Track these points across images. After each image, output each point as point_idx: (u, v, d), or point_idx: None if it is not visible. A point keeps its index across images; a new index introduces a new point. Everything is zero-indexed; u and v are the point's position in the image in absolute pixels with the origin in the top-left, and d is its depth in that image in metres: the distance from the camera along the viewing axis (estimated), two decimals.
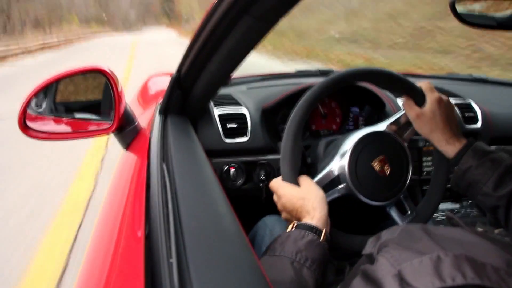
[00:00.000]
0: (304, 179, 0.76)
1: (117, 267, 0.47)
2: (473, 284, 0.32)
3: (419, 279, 0.33)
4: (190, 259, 0.38)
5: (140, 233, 0.49)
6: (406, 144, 0.86)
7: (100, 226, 0.67)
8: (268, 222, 0.96)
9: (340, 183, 0.83)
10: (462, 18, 0.87)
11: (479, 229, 0.49)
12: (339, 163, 0.83)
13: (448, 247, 0.37)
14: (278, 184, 0.77)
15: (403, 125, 0.88)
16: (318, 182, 0.80)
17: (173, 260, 0.38)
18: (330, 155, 0.88)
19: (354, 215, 1.10)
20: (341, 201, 0.85)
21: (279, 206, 0.76)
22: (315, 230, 0.65)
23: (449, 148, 0.79)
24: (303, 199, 0.72)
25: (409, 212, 0.88)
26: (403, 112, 0.87)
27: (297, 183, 0.76)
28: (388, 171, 0.82)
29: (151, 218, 0.51)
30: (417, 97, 0.82)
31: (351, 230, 0.83)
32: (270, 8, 0.58)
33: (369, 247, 0.48)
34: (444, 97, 0.82)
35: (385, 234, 0.47)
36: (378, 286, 0.37)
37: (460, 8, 0.87)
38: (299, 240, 0.62)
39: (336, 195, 0.83)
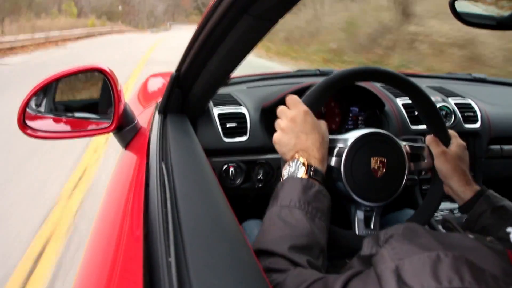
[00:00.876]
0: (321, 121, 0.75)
1: (115, 266, 0.47)
2: None
3: (415, 278, 0.33)
4: (189, 258, 0.38)
5: (139, 232, 0.49)
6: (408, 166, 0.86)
7: (98, 225, 0.67)
8: (247, 228, 0.95)
9: (334, 156, 0.83)
10: (461, 18, 0.87)
11: (470, 236, 0.49)
12: (343, 142, 0.83)
13: (448, 247, 0.37)
14: (301, 101, 0.74)
15: (416, 154, 0.89)
16: None
17: (172, 259, 0.38)
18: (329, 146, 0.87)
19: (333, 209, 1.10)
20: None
21: (288, 124, 0.72)
22: (321, 177, 0.66)
23: (467, 189, 0.81)
24: (317, 133, 0.70)
25: (372, 227, 0.87)
26: (423, 146, 0.89)
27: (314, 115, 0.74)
28: (381, 174, 0.82)
29: (150, 217, 0.51)
30: (444, 137, 0.86)
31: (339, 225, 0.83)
32: (269, 8, 0.58)
33: (367, 248, 0.48)
34: (465, 144, 0.86)
35: (389, 230, 0.46)
36: (377, 279, 0.37)
37: (459, 7, 0.86)
38: (308, 190, 0.62)
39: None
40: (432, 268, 0.33)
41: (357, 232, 0.84)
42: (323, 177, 0.66)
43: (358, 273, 0.42)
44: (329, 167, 0.83)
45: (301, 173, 0.65)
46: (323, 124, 0.75)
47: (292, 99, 0.75)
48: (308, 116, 0.72)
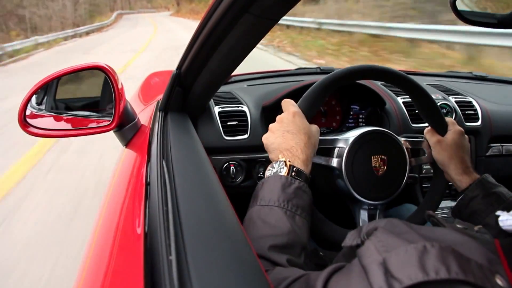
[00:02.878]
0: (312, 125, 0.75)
1: (116, 264, 0.47)
2: (456, 279, 0.31)
3: (402, 270, 0.33)
4: (190, 256, 0.38)
5: (140, 230, 0.49)
6: (409, 161, 0.86)
7: (99, 223, 0.67)
8: None
9: (334, 157, 0.83)
10: (463, 16, 0.87)
11: (459, 226, 0.49)
12: (343, 142, 0.83)
13: (432, 240, 0.36)
14: (294, 104, 0.75)
15: (416, 149, 0.90)
16: (320, 141, 0.80)
17: (173, 257, 0.38)
18: (328, 149, 0.88)
19: (325, 205, 1.10)
20: (318, 188, 0.85)
21: (276, 125, 0.73)
22: (304, 178, 0.65)
23: (465, 178, 0.81)
24: (304, 134, 0.70)
25: None
26: (422, 140, 0.89)
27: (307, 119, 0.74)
28: (382, 172, 0.82)
29: (151, 215, 0.51)
30: (441, 125, 0.86)
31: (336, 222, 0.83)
32: (270, 6, 0.58)
33: (350, 239, 0.47)
34: (464, 132, 0.86)
35: (371, 223, 0.46)
36: (364, 272, 0.36)
37: (460, 6, 0.86)
38: (287, 188, 0.62)
39: (323, 162, 0.83)
40: (419, 260, 0.33)
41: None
42: (306, 178, 0.66)
43: (339, 268, 0.42)
44: (331, 168, 0.83)
45: (283, 173, 0.65)
46: (314, 127, 0.74)
47: (286, 102, 0.76)
48: (296, 117, 0.72)
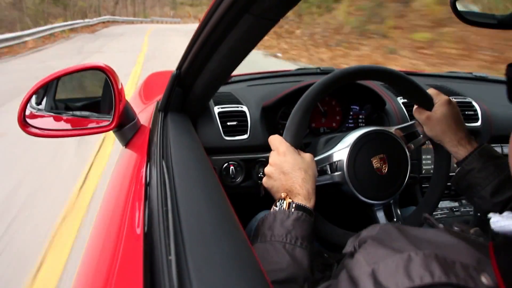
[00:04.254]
0: (303, 153, 0.74)
1: (116, 264, 0.47)
2: (439, 282, 0.33)
3: (390, 279, 0.35)
4: (189, 256, 0.38)
5: (139, 230, 0.49)
6: (407, 148, 0.86)
7: (99, 223, 0.67)
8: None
9: (336, 171, 0.83)
10: (463, 17, 0.87)
11: (456, 228, 0.50)
12: (339, 154, 0.83)
13: (421, 246, 0.39)
14: (281, 141, 0.74)
15: (410, 132, 0.89)
16: (317, 162, 0.80)
17: (172, 257, 0.38)
18: (330, 146, 0.88)
19: (341, 210, 1.10)
20: (332, 194, 0.86)
21: (270, 168, 0.72)
22: (305, 210, 0.65)
23: (461, 149, 0.80)
24: (298, 170, 0.69)
25: (395, 219, 0.88)
26: (413, 122, 0.89)
27: (296, 150, 0.73)
28: (385, 170, 0.82)
29: (150, 215, 0.51)
30: (425, 100, 0.83)
31: (337, 223, 0.83)
32: (270, 7, 0.58)
33: (349, 246, 0.49)
34: (451, 99, 0.83)
35: (364, 232, 0.48)
36: (355, 284, 0.38)
37: (460, 6, 0.86)
38: (285, 221, 0.62)
39: (328, 181, 0.83)
40: (405, 268, 0.35)
41: None
42: (310, 211, 0.66)
43: (328, 286, 0.44)
44: (335, 182, 0.83)
45: (282, 209, 0.66)
46: (307, 156, 0.73)
47: (272, 139, 0.75)
48: (287, 155, 0.71)
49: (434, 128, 0.82)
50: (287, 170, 0.70)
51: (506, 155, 1.10)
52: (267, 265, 0.58)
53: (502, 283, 0.34)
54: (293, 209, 0.65)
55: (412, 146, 0.87)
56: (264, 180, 0.74)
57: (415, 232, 0.44)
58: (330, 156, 0.84)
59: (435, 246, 0.39)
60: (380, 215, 0.87)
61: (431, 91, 0.84)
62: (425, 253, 0.36)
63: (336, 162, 0.83)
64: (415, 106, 0.86)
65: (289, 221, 0.63)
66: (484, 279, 0.34)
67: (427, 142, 0.89)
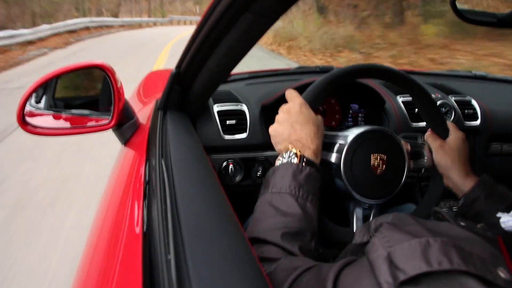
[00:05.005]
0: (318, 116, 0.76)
1: (115, 263, 0.47)
2: (458, 269, 0.32)
3: (407, 262, 0.34)
4: (188, 255, 0.38)
5: (138, 229, 0.49)
6: (406, 152, 0.86)
7: (98, 222, 0.67)
8: None
9: (335, 152, 0.83)
10: (463, 15, 0.87)
11: (462, 224, 0.50)
12: (335, 154, 0.83)
13: (437, 235, 0.38)
14: (299, 96, 0.75)
15: (417, 151, 0.90)
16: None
17: (171, 256, 0.38)
18: (328, 144, 0.88)
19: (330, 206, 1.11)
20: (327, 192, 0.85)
21: (283, 115, 0.73)
22: (314, 165, 0.66)
23: (468, 181, 0.81)
24: (312, 125, 0.71)
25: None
26: (423, 143, 0.90)
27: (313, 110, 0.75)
28: (382, 170, 0.82)
29: (150, 214, 0.51)
30: (442, 129, 0.86)
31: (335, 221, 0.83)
32: (270, 5, 0.58)
33: (359, 236, 0.49)
34: (464, 135, 0.86)
35: (379, 220, 0.47)
36: (370, 267, 0.37)
37: (460, 5, 0.86)
38: (298, 175, 0.63)
39: (324, 157, 0.83)
40: (423, 253, 0.34)
41: (354, 230, 0.84)
42: (317, 167, 0.67)
43: (351, 261, 0.43)
44: (329, 163, 0.83)
45: (294, 162, 0.66)
46: (319, 118, 0.75)
47: (290, 93, 0.76)
48: (303, 107, 0.73)
49: (445, 157, 0.84)
50: (301, 121, 0.71)
51: (507, 155, 1.11)
52: (279, 216, 0.58)
53: None
54: (304, 163, 0.65)
55: (413, 164, 0.88)
56: (273, 127, 0.74)
57: (429, 223, 0.44)
58: (335, 136, 0.85)
59: (450, 238, 0.38)
60: (358, 213, 0.86)
61: (450, 123, 0.87)
62: (444, 240, 0.35)
63: (338, 144, 0.84)
64: (430, 131, 0.87)
65: (302, 176, 0.63)
66: (501, 273, 0.33)
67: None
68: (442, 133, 0.86)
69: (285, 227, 0.56)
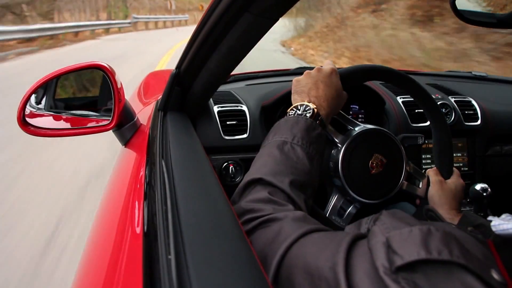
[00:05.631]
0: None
1: (115, 263, 0.47)
2: (458, 262, 0.32)
3: (405, 248, 0.33)
4: (189, 255, 0.38)
5: (139, 230, 0.49)
6: (403, 148, 0.87)
7: (98, 223, 0.67)
8: None
9: (337, 143, 0.84)
10: (462, 16, 0.87)
11: (453, 225, 0.50)
12: (334, 152, 0.83)
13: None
14: (333, 64, 0.78)
15: (416, 178, 0.91)
16: None
17: (172, 256, 0.38)
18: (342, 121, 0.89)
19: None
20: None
21: (313, 72, 0.75)
22: (323, 126, 0.67)
23: (455, 220, 0.82)
24: (335, 90, 0.72)
25: (343, 218, 0.88)
26: (424, 175, 0.91)
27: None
28: (379, 171, 0.82)
29: (150, 214, 0.51)
30: (448, 170, 0.89)
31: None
32: (270, 6, 0.58)
33: (354, 229, 0.47)
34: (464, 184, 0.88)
35: (373, 215, 0.47)
36: (370, 254, 0.37)
37: (460, 5, 0.86)
38: (311, 131, 0.64)
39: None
40: (423, 240, 0.33)
41: (327, 214, 0.84)
42: (325, 130, 0.68)
43: (362, 236, 0.42)
44: (327, 157, 0.83)
45: (308, 116, 0.66)
46: (344, 93, 0.77)
47: (327, 60, 0.79)
48: (334, 74, 0.74)
49: (440, 193, 0.85)
50: (326, 83, 0.72)
51: (507, 155, 1.11)
52: (289, 163, 0.58)
53: (510, 280, 0.34)
54: (318, 121, 0.66)
55: (405, 186, 0.89)
56: (299, 77, 0.75)
57: (424, 221, 0.43)
58: (337, 133, 0.86)
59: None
60: (337, 203, 0.86)
61: (455, 169, 0.90)
62: (446, 231, 0.34)
63: (349, 129, 0.85)
64: (435, 168, 0.90)
65: (314, 134, 0.63)
66: (494, 275, 0.33)
67: (426, 141, 0.90)
68: (446, 174, 0.88)
69: (294, 175, 0.56)
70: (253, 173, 0.57)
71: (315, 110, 0.66)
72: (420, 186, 0.89)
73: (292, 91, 0.75)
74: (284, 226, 0.46)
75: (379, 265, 0.33)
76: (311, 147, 0.61)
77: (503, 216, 0.43)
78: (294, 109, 0.69)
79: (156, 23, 24.07)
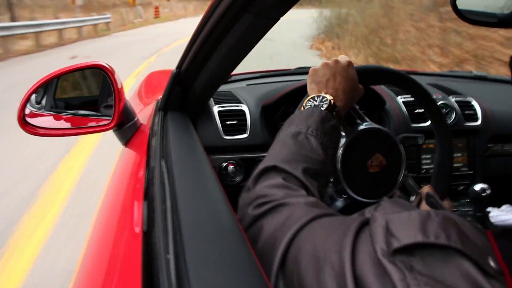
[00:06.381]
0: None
1: (114, 262, 0.47)
2: (454, 247, 0.32)
3: (403, 231, 0.33)
4: (188, 255, 0.38)
5: (138, 229, 0.49)
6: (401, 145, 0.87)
7: (98, 222, 0.67)
8: None
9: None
10: (463, 15, 0.87)
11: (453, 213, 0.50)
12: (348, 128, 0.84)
13: None
14: (348, 58, 0.79)
15: (411, 191, 0.92)
16: None
17: (171, 256, 0.38)
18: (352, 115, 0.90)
19: None
20: None
21: (330, 63, 0.75)
22: (339, 118, 0.68)
23: None
24: (351, 83, 0.73)
25: None
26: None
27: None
28: (377, 170, 0.82)
29: (149, 214, 0.51)
30: (441, 191, 0.90)
31: None
32: (270, 6, 0.58)
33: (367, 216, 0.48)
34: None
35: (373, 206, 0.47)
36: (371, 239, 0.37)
37: (460, 5, 0.86)
38: (326, 122, 0.64)
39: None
40: (421, 223, 0.33)
41: None
42: (340, 123, 0.69)
43: (367, 221, 0.42)
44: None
45: (324, 108, 0.67)
46: (361, 87, 0.77)
47: (343, 55, 0.79)
48: (351, 66, 0.74)
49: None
50: (344, 76, 0.72)
51: (507, 156, 1.11)
52: (303, 150, 0.59)
53: (506, 269, 0.34)
54: (334, 112, 0.67)
55: (398, 193, 0.89)
56: (317, 67, 0.75)
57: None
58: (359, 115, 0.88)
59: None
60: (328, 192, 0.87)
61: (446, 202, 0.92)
62: (446, 216, 0.34)
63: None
64: (429, 186, 0.90)
65: (329, 125, 0.64)
66: (491, 262, 0.33)
67: (427, 142, 0.90)
68: (441, 194, 0.88)
69: (307, 162, 0.57)
70: (267, 161, 0.58)
71: (332, 101, 0.67)
72: (412, 200, 0.89)
73: (309, 81, 0.76)
74: (295, 210, 0.46)
75: (378, 248, 0.33)
76: (325, 138, 0.62)
77: (503, 207, 0.43)
78: (311, 100, 0.69)
79: (37, 37, 11.21)
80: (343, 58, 0.76)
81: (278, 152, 0.59)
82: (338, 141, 0.66)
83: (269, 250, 0.43)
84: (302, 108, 0.69)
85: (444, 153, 0.88)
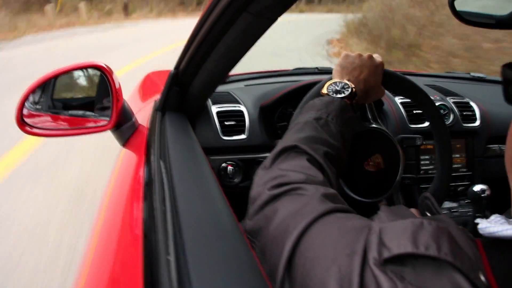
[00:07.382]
0: None
1: (115, 264, 0.47)
2: (444, 259, 0.31)
3: (394, 240, 0.33)
4: (188, 256, 0.38)
5: (138, 231, 0.49)
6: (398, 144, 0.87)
7: (98, 223, 0.67)
8: None
9: None
10: (461, 17, 0.87)
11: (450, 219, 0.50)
12: None
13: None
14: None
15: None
16: None
17: (171, 257, 0.38)
18: None
19: None
20: None
21: (366, 56, 0.77)
22: (358, 110, 0.69)
23: None
24: (374, 83, 0.75)
25: None
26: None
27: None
28: (375, 169, 0.82)
29: (149, 215, 0.50)
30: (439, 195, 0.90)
31: None
32: (269, 5, 0.58)
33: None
34: None
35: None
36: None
37: (458, 6, 0.86)
38: (346, 112, 0.65)
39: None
40: (413, 233, 0.33)
41: None
42: (352, 91, 0.70)
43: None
44: None
45: (346, 94, 0.68)
46: (381, 90, 0.79)
47: (377, 54, 0.81)
48: (380, 66, 0.77)
49: None
50: (371, 72, 0.74)
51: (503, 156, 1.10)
52: (324, 136, 0.59)
53: (496, 283, 0.33)
54: (354, 101, 0.68)
55: (384, 202, 0.90)
56: (349, 53, 0.77)
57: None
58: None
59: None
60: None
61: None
62: (440, 225, 0.34)
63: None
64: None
65: (347, 115, 0.65)
66: (482, 277, 0.32)
67: (425, 142, 0.91)
68: (440, 196, 0.89)
69: (328, 147, 0.57)
70: (285, 141, 0.57)
71: (354, 89, 0.68)
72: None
73: (337, 62, 0.77)
74: (312, 200, 0.46)
75: (371, 257, 0.33)
76: (344, 127, 0.63)
77: (492, 217, 0.42)
78: (332, 84, 0.70)
79: None
80: (377, 57, 0.78)
81: (297, 134, 0.59)
82: (353, 131, 0.67)
83: (280, 236, 0.42)
84: (323, 91, 0.70)
85: (441, 179, 0.89)
